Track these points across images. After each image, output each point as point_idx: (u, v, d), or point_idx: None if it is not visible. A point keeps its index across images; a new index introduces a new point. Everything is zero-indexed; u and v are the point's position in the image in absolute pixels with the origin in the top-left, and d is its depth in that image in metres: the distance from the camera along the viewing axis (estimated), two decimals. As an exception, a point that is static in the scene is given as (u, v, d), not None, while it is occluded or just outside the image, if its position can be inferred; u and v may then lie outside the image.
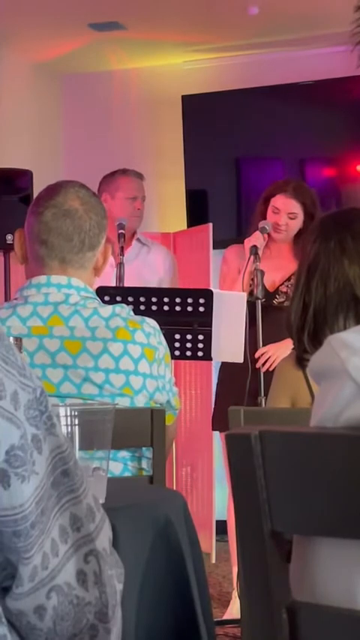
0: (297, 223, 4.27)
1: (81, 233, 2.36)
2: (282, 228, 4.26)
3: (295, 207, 4.27)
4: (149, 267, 4.80)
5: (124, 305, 2.41)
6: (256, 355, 4.11)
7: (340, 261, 2.29)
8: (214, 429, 4.51)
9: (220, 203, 5.91)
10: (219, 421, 4.27)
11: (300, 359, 2.41)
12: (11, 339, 1.90)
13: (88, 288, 2.40)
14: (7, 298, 4.90)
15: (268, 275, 4.23)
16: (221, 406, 4.18)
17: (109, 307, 2.37)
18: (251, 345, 3.97)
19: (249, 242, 4.23)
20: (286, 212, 4.27)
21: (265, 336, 4.11)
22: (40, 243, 2.38)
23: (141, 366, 2.34)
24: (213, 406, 4.48)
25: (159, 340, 2.41)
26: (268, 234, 4.26)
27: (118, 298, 3.33)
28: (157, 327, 2.43)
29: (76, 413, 1.68)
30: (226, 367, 4.31)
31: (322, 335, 2.29)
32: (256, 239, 4.22)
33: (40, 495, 1.13)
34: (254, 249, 4.18)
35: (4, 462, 1.10)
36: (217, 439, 5.03)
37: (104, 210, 2.43)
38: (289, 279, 4.21)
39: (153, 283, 4.70)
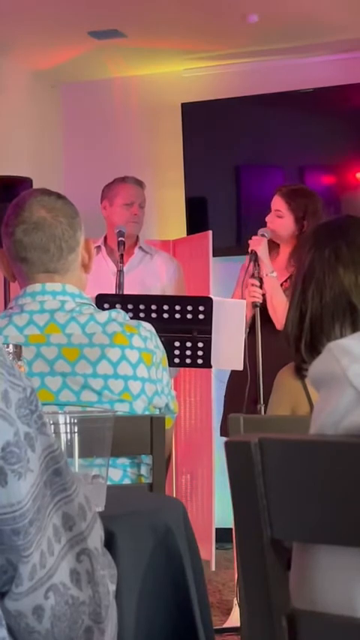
0: (284, 223, 4.23)
1: (55, 240, 2.36)
2: (270, 226, 4.26)
3: (280, 205, 4.26)
4: (152, 275, 4.79)
5: (119, 310, 2.41)
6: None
7: (334, 269, 2.29)
8: (222, 435, 4.46)
9: (220, 211, 5.91)
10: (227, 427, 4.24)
11: (298, 369, 2.41)
12: (10, 347, 1.90)
13: (83, 295, 2.40)
14: (6, 307, 4.89)
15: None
16: (230, 412, 4.13)
17: (105, 313, 2.37)
18: (250, 353, 3.95)
19: (250, 246, 4.22)
20: (273, 210, 4.28)
21: (265, 344, 4.09)
22: (21, 261, 2.39)
23: (139, 371, 2.34)
24: (222, 412, 4.42)
25: (156, 344, 2.41)
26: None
27: (118, 306, 3.32)
28: (154, 330, 2.43)
29: (76, 420, 1.68)
30: (234, 374, 4.28)
31: (319, 344, 2.29)
32: (256, 244, 4.20)
33: (35, 493, 1.14)
34: (254, 256, 4.17)
35: (0, 459, 1.10)
36: (218, 446, 5.02)
37: (73, 209, 2.42)
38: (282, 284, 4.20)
39: (156, 291, 4.69)
